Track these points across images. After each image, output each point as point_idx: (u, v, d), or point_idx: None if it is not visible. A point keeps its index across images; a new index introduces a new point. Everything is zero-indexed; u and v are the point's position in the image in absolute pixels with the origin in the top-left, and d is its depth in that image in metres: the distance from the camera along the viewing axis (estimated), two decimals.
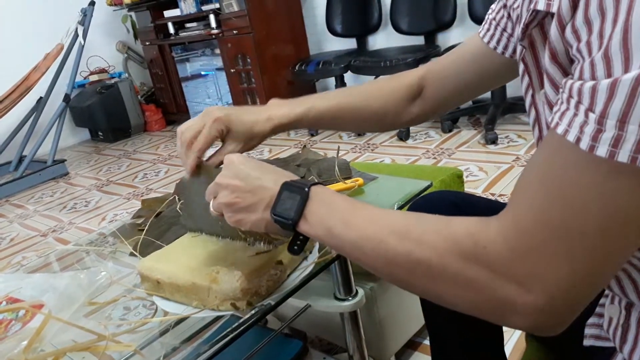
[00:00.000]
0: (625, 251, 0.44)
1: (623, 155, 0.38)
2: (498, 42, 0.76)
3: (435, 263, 0.49)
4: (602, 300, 0.64)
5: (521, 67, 0.59)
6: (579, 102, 0.41)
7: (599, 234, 0.42)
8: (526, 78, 0.59)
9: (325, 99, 0.88)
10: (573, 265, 0.43)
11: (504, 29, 0.75)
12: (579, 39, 0.42)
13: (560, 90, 0.43)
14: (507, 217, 0.47)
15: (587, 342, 0.65)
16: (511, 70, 0.78)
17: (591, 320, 0.65)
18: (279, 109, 0.86)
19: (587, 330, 0.65)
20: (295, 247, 0.65)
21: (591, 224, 0.42)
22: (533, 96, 0.59)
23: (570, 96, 0.42)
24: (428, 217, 0.53)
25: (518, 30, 0.57)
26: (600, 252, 0.43)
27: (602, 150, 0.39)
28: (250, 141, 0.85)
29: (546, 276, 0.44)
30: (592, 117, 0.40)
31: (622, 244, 0.43)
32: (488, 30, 0.77)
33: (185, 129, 0.82)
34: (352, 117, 0.89)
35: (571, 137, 0.41)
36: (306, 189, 0.60)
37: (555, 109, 0.43)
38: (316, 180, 0.67)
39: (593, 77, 0.40)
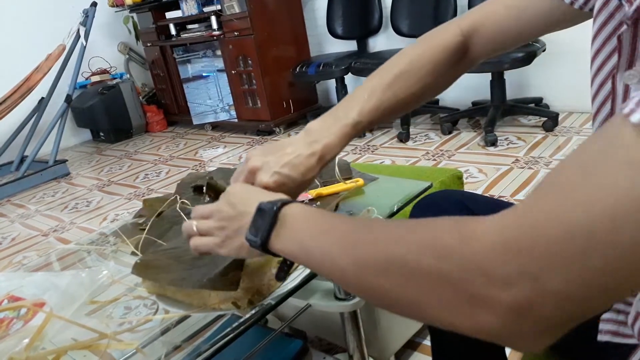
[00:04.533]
0: None
1: None
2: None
3: (410, 258, 0.43)
4: None
5: (610, 45, 0.52)
6: None
7: (629, 244, 0.33)
8: (615, 56, 0.52)
9: (368, 101, 0.77)
10: (575, 276, 0.35)
11: None
12: None
13: None
14: (514, 210, 0.39)
15: (602, 338, 0.62)
16: (578, 19, 0.70)
17: (608, 315, 0.63)
18: (325, 140, 0.75)
19: (603, 326, 0.63)
20: (282, 273, 0.66)
21: (627, 232, 0.33)
22: (614, 76, 0.53)
23: None
24: (410, 220, 0.49)
25: (627, 8, 0.49)
26: (620, 269, 0.34)
27: None
28: (302, 189, 0.76)
29: (535, 277, 0.36)
30: None
31: None
32: None
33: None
34: (400, 109, 0.80)
35: (635, 118, 0.34)
36: (275, 208, 0.59)
37: (632, 94, 0.37)
38: (287, 200, 0.63)
39: None
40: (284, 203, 0.60)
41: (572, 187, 0.36)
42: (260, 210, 0.60)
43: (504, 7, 0.76)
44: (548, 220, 0.36)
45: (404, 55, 0.81)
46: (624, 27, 0.49)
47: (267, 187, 0.72)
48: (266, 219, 0.59)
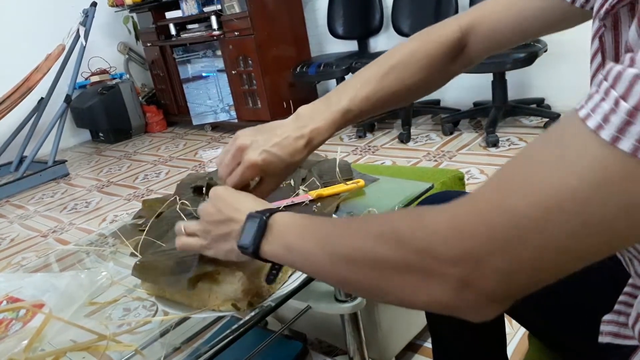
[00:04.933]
0: (592, 258, 0.40)
1: None
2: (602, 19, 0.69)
3: (371, 249, 0.48)
4: (621, 298, 0.63)
5: (595, 44, 0.53)
6: (611, 87, 0.36)
7: (576, 235, 0.37)
8: (599, 57, 0.53)
9: (360, 90, 0.77)
10: (514, 257, 0.39)
11: None
12: None
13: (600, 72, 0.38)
14: (463, 199, 0.44)
15: (603, 339, 0.63)
16: (578, 18, 0.70)
17: (609, 317, 0.64)
18: (314, 125, 0.76)
19: (604, 327, 0.64)
20: (271, 277, 0.69)
21: (572, 224, 0.37)
22: None
23: (605, 79, 0.37)
24: (376, 214, 0.54)
25: (597, 5, 0.51)
26: (553, 253, 0.39)
27: (626, 144, 0.34)
28: (289, 171, 0.79)
29: (478, 259, 0.41)
30: (624, 107, 0.34)
31: (594, 252, 0.39)
32: None
33: (219, 163, 0.79)
34: (392, 101, 0.79)
35: (592, 123, 0.36)
36: (264, 217, 0.62)
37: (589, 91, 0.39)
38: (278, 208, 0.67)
39: None
40: (272, 212, 0.63)
41: (515, 179, 0.41)
42: (251, 219, 0.63)
43: (503, 6, 0.76)
44: (491, 208, 0.41)
45: (400, 47, 0.81)
46: (602, 28, 0.51)
47: (254, 165, 0.73)
48: (257, 229, 0.62)
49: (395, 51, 0.81)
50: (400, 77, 0.78)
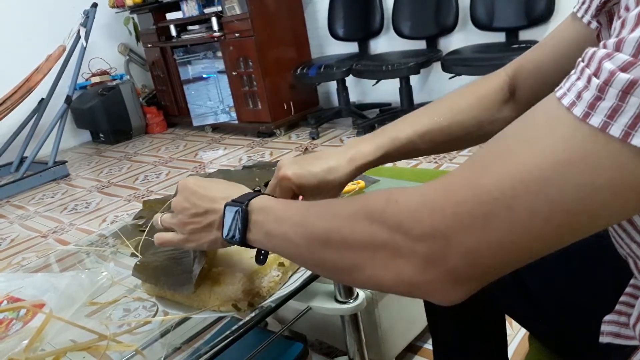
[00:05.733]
0: (557, 242, 0.39)
1: (616, 129, 0.34)
2: (593, 16, 0.66)
3: (345, 228, 0.48)
4: (622, 298, 0.63)
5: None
6: (585, 67, 0.37)
7: (541, 215, 0.37)
8: None
9: (408, 124, 0.77)
10: (480, 234, 0.39)
11: None
12: (626, 10, 0.37)
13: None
14: (436, 179, 0.44)
15: (604, 340, 0.63)
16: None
17: (610, 317, 0.64)
18: (358, 147, 0.76)
19: (605, 327, 0.64)
20: (261, 257, 0.69)
21: (538, 202, 0.37)
22: None
23: (582, 60, 0.38)
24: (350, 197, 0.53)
25: (593, 6, 0.52)
26: (520, 233, 0.39)
27: (596, 120, 0.35)
28: (328, 191, 0.75)
29: (445, 234, 0.41)
30: (595, 82, 0.35)
31: (565, 234, 0.39)
32: (583, 3, 0.67)
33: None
34: (442, 139, 0.78)
35: (566, 101, 0.37)
36: (244, 206, 0.62)
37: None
38: (259, 190, 0.67)
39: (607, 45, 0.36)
40: (249, 200, 0.63)
41: (487, 157, 0.41)
42: (229, 209, 0.63)
43: (540, 46, 0.77)
44: (461, 186, 0.41)
45: (451, 92, 0.82)
46: (599, 27, 0.53)
47: (285, 177, 0.72)
48: (240, 220, 0.62)
49: (445, 96, 0.82)
50: (450, 115, 0.77)
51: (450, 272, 0.42)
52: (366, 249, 0.46)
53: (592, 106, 0.35)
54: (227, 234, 0.63)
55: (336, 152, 0.75)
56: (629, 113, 0.34)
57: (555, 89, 0.39)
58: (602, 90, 0.35)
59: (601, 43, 0.37)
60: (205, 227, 0.67)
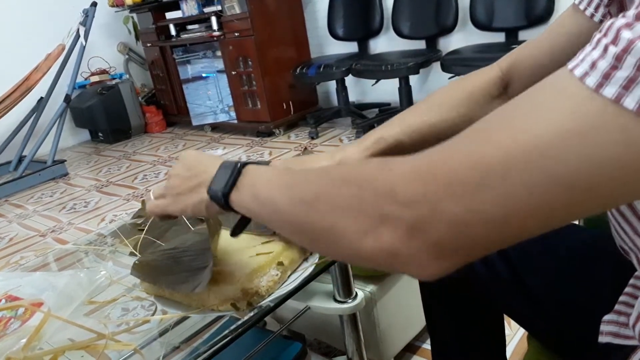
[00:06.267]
0: (550, 221, 0.38)
1: (631, 100, 0.32)
2: (596, 8, 0.66)
3: (334, 189, 0.46)
4: (622, 298, 0.63)
5: None
6: (603, 37, 0.35)
7: (538, 188, 0.35)
8: None
9: (397, 124, 0.77)
10: (470, 204, 0.37)
11: None
12: None
13: None
14: (440, 145, 0.42)
15: (603, 339, 0.63)
16: None
17: (609, 317, 0.64)
18: (347, 150, 0.77)
19: (604, 327, 0.64)
20: (237, 230, 0.68)
21: (535, 174, 0.35)
22: None
23: (598, 32, 0.36)
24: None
25: None
26: (511, 206, 0.36)
27: (610, 90, 0.33)
28: None
29: (434, 201, 0.38)
30: (612, 51, 0.33)
31: (560, 212, 0.37)
32: None
33: None
34: (432, 136, 0.77)
35: (579, 71, 0.35)
36: (239, 165, 0.61)
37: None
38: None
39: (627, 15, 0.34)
40: (246, 163, 0.62)
41: (488, 128, 0.39)
42: (224, 167, 0.62)
43: (537, 42, 0.76)
44: (458, 154, 0.39)
45: (439, 89, 0.82)
46: (609, 16, 0.50)
47: None
48: (230, 174, 0.60)
49: (434, 92, 0.81)
50: (439, 111, 0.77)
51: (434, 242, 0.39)
52: (351, 213, 0.44)
53: (607, 76, 0.33)
54: (212, 188, 0.61)
55: (325, 155, 0.76)
56: None
57: (568, 63, 0.37)
58: (619, 58, 0.33)
59: (620, 15, 0.35)
60: (193, 187, 0.66)
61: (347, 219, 0.44)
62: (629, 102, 0.32)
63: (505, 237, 0.39)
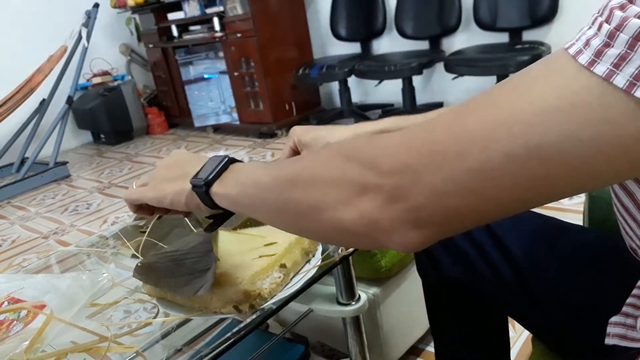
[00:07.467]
0: (531, 198, 0.38)
1: (621, 79, 0.32)
2: None
3: (321, 164, 0.47)
4: (629, 300, 0.63)
5: None
6: (599, 16, 0.35)
7: (517, 162, 0.35)
8: None
9: (372, 123, 0.79)
10: (451, 174, 0.38)
11: None
12: None
13: None
14: (427, 119, 0.42)
15: (610, 341, 0.63)
16: None
17: (616, 319, 0.63)
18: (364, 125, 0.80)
19: (611, 329, 0.63)
20: (214, 227, 0.69)
21: (516, 147, 0.35)
22: None
23: (596, 12, 0.36)
24: None
25: None
26: (491, 178, 0.37)
27: (601, 68, 0.33)
28: None
29: (416, 170, 0.39)
30: (605, 28, 0.34)
31: (540, 189, 0.37)
32: None
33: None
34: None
35: (573, 49, 0.35)
36: (227, 159, 0.60)
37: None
38: None
39: None
40: (234, 160, 0.61)
41: (475, 103, 0.39)
42: (213, 159, 0.62)
43: None
44: (442, 125, 0.40)
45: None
46: None
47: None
48: (217, 165, 0.60)
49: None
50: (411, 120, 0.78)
51: (412, 210, 0.40)
52: (333, 186, 0.44)
53: (599, 53, 0.33)
54: (196, 176, 0.60)
55: (343, 127, 0.79)
56: (636, 62, 0.32)
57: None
58: (612, 36, 0.33)
59: None
60: (177, 177, 0.65)
61: (329, 192, 0.44)
62: (619, 81, 0.32)
63: (480, 210, 0.39)
